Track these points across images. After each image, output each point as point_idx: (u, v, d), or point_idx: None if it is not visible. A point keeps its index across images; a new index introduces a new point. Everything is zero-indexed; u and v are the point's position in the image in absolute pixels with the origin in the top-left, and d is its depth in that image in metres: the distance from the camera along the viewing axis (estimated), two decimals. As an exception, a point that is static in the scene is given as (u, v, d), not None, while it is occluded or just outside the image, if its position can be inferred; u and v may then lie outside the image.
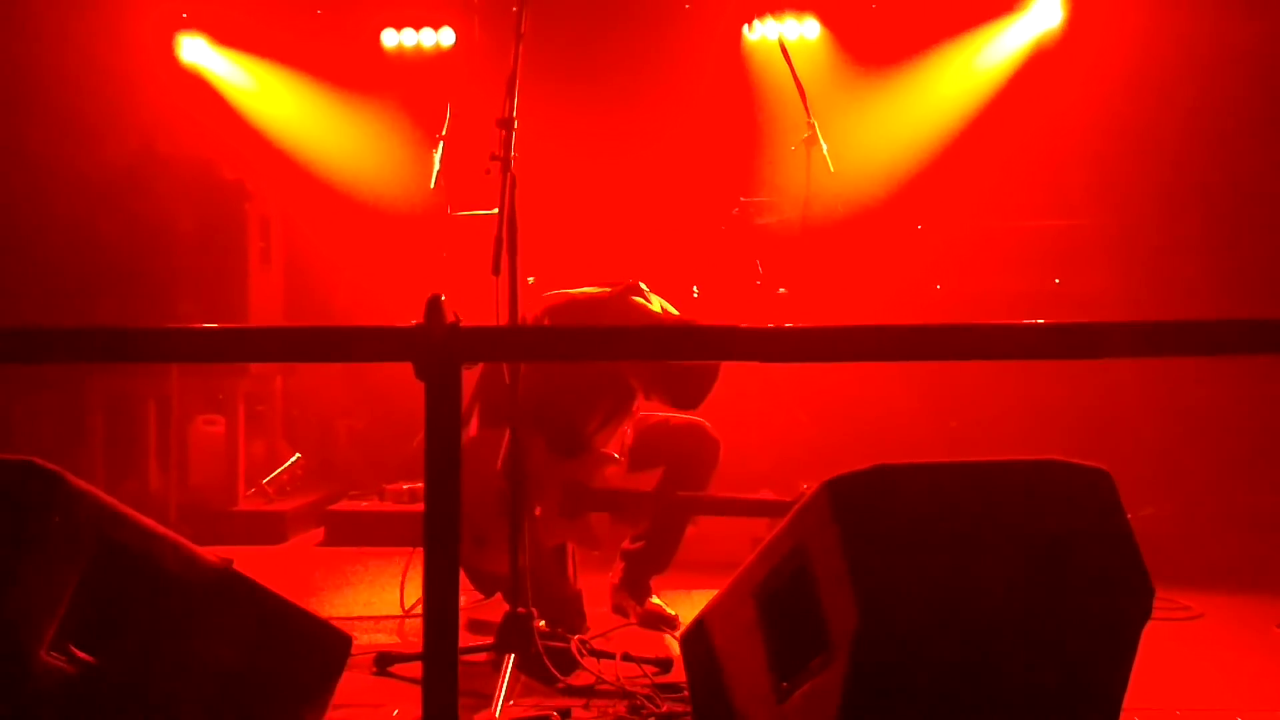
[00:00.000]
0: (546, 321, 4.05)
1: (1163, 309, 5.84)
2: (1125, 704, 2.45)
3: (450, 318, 2.31)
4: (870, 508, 2.37)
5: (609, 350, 2.26)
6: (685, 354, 2.66)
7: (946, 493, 2.45)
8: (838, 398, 6.03)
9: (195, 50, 7.03)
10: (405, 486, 5.89)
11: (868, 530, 2.34)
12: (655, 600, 4.20)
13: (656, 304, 4.09)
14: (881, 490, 2.40)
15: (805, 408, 6.08)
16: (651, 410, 4.32)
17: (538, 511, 3.91)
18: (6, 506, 2.38)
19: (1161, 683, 3.44)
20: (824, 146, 5.56)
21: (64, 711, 2.31)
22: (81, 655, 2.35)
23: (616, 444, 4.15)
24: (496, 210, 3.42)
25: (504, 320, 3.38)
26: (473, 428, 4.13)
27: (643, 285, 4.12)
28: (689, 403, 4.02)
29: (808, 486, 3.64)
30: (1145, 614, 2.38)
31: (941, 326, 2.39)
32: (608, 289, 4.12)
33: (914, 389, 6.02)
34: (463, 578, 4.11)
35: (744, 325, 2.12)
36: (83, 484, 2.46)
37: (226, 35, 7.04)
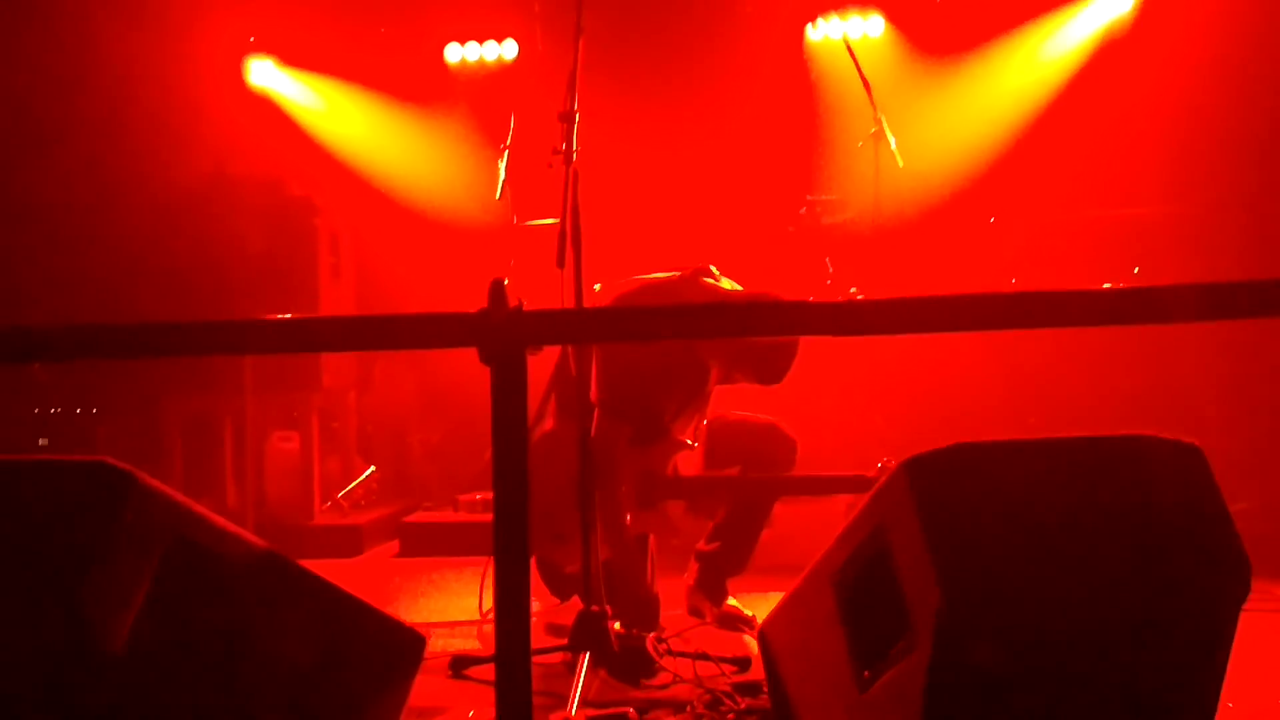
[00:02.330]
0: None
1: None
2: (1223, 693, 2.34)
3: (514, 303, 2.27)
4: (951, 487, 2.29)
5: (676, 329, 2.22)
6: (755, 330, 2.61)
7: (1030, 470, 2.36)
8: (913, 380, 5.92)
9: (263, 72, 7.14)
10: (479, 497, 5.88)
11: (949, 509, 2.25)
12: (732, 601, 4.13)
13: (727, 285, 4.04)
14: (962, 469, 2.32)
15: (881, 390, 5.97)
16: (726, 410, 4.25)
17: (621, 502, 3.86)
18: (80, 505, 2.39)
19: (1257, 675, 3.30)
20: (892, 141, 5.49)
21: (139, 708, 2.30)
22: (155, 652, 2.34)
23: (692, 432, 4.08)
24: (559, 219, 3.38)
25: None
26: (548, 422, 4.09)
27: (713, 269, 4.06)
28: (772, 378, 3.92)
29: (885, 462, 3.55)
30: (1244, 592, 2.27)
31: (1010, 294, 2.31)
32: (677, 273, 4.07)
33: (993, 376, 5.90)
34: (540, 582, 4.09)
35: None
36: (155, 483, 2.46)
37: (293, 56, 7.15)
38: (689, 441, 4.00)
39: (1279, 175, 6.13)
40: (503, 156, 5.73)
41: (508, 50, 7.16)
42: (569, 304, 3.34)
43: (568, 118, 3.46)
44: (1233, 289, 2.26)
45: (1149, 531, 2.30)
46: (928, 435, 3.88)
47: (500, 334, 2.16)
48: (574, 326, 2.34)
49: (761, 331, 2.72)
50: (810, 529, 4.85)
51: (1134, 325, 2.30)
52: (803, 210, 5.82)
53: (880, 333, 2.18)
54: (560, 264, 3.31)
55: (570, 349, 3.59)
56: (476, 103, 6.96)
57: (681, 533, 4.06)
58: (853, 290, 5.95)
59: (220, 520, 2.57)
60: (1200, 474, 2.38)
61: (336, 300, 6.28)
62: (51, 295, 6.26)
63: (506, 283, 2.27)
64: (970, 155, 6.56)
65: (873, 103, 5.18)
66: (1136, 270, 6.03)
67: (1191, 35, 6.18)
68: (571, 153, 3.44)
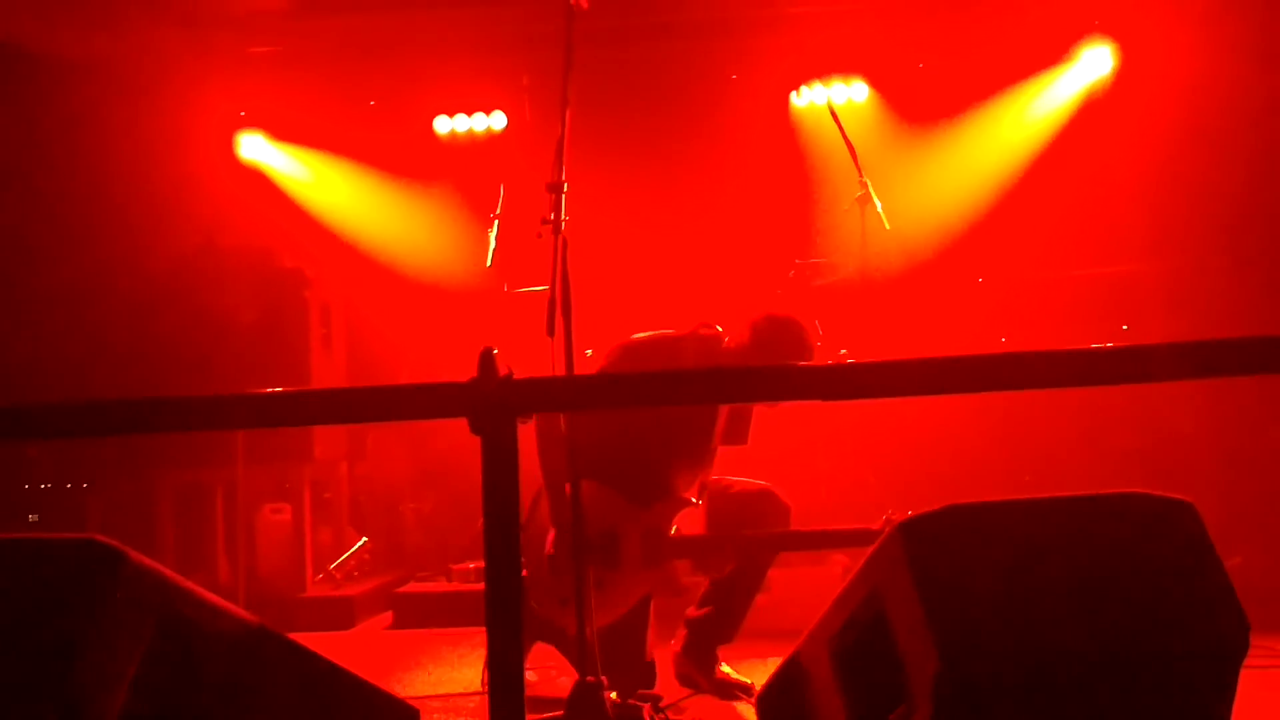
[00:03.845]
0: (621, 363, 3.99)
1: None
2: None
3: (504, 372, 2.28)
4: (945, 549, 2.28)
5: (667, 395, 2.22)
6: (747, 395, 2.60)
7: (1024, 530, 2.35)
8: (906, 436, 5.91)
9: (254, 146, 7.20)
10: (472, 566, 5.84)
11: (944, 572, 2.24)
12: (724, 668, 4.08)
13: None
14: (956, 531, 2.31)
15: (873, 447, 5.96)
16: (719, 474, 4.23)
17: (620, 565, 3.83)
18: (69, 584, 2.37)
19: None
20: (878, 204, 5.53)
21: (128, 790, 2.26)
22: (145, 732, 2.31)
23: (696, 489, 4.06)
24: (548, 287, 3.41)
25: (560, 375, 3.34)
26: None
27: (718, 328, 4.07)
28: (738, 439, 3.96)
29: (889, 515, 3.52)
30: (1243, 649, 2.25)
31: (1001, 355, 2.32)
32: (671, 331, 4.08)
33: (984, 430, 5.90)
34: (552, 652, 4.03)
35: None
36: (145, 560, 2.44)
37: (283, 130, 7.21)
38: (693, 499, 3.98)
39: (1258, 231, 6.19)
40: (493, 226, 5.77)
41: (496, 121, 7.24)
42: (560, 372, 3.34)
43: (556, 188, 3.48)
44: (1221, 347, 2.27)
45: (1145, 590, 2.29)
46: (921, 493, 3.88)
47: (491, 404, 2.16)
48: (565, 395, 2.34)
49: (753, 397, 2.72)
50: (806, 593, 4.83)
51: (1125, 385, 2.31)
52: (791, 273, 5.85)
53: (873, 396, 2.18)
54: (550, 332, 3.32)
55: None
56: (466, 173, 7.02)
57: (686, 592, 4.02)
58: (842, 352, 5.97)
59: (211, 597, 2.55)
60: (1195, 531, 2.37)
61: (328, 370, 6.28)
62: (42, 368, 6.25)
63: (496, 352, 2.28)
64: (956, 216, 6.62)
65: (858, 166, 5.22)
66: (1125, 328, 6.07)
67: (1169, 95, 6.28)
68: (560, 222, 3.46)
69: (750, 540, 3.95)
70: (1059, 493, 2.49)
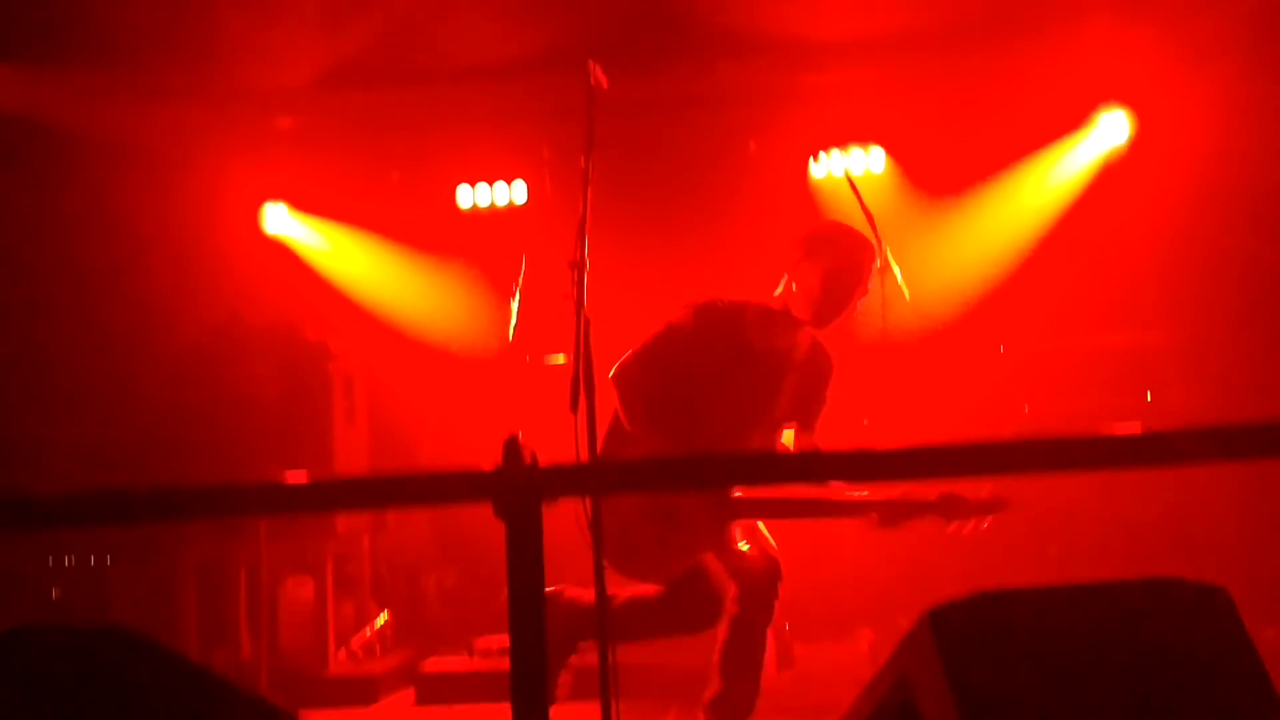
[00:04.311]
0: (690, 318, 4.16)
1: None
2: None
3: (528, 457, 2.27)
4: (975, 637, 2.25)
5: (693, 480, 2.21)
6: (775, 478, 2.59)
7: (1054, 618, 2.32)
8: (933, 528, 5.86)
9: (278, 219, 7.28)
10: (495, 645, 5.79)
11: (974, 661, 2.21)
12: None
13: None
14: (985, 618, 2.28)
15: (899, 542, 5.91)
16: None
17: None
18: (95, 675, 2.36)
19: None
20: (898, 273, 5.53)
21: None
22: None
23: None
24: (570, 357, 3.44)
25: (584, 458, 3.34)
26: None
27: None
28: (804, 423, 4.19)
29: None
30: (1281, 739, 2.21)
31: (1026, 441, 2.30)
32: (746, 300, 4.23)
33: (1012, 517, 5.84)
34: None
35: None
36: (172, 650, 2.43)
37: (307, 203, 7.30)
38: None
39: (1276, 299, 6.18)
40: (514, 297, 5.79)
41: (518, 192, 7.29)
42: (582, 448, 3.34)
43: (578, 265, 3.51)
44: (1249, 431, 2.24)
45: (1177, 679, 2.25)
46: (947, 571, 3.84)
47: (515, 490, 2.16)
48: (590, 481, 2.34)
49: (782, 479, 2.70)
50: (832, 670, 4.78)
51: (1153, 469, 2.29)
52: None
53: (899, 479, 2.17)
54: (573, 408, 3.33)
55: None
56: (487, 245, 7.07)
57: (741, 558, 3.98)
58: (865, 422, 5.96)
59: (234, 682, 2.54)
60: (1228, 617, 2.34)
61: (351, 444, 6.29)
62: (68, 443, 6.29)
63: (520, 436, 2.28)
64: (976, 284, 6.62)
65: (876, 235, 5.21)
66: (1149, 396, 6.04)
67: (1186, 162, 6.30)
68: (582, 299, 3.48)
69: (802, 505, 3.93)
70: (1086, 572, 2.46)
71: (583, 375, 3.34)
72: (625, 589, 4.02)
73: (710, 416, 4.06)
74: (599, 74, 3.75)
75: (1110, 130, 6.80)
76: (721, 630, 3.99)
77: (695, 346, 4.15)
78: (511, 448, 2.23)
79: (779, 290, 4.24)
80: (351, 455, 6.29)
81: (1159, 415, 6.02)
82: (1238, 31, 6.16)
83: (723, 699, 4.02)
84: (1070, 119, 6.86)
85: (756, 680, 4.02)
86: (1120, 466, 2.31)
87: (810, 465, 2.24)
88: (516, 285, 5.88)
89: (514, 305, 5.79)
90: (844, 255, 4.18)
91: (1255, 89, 6.16)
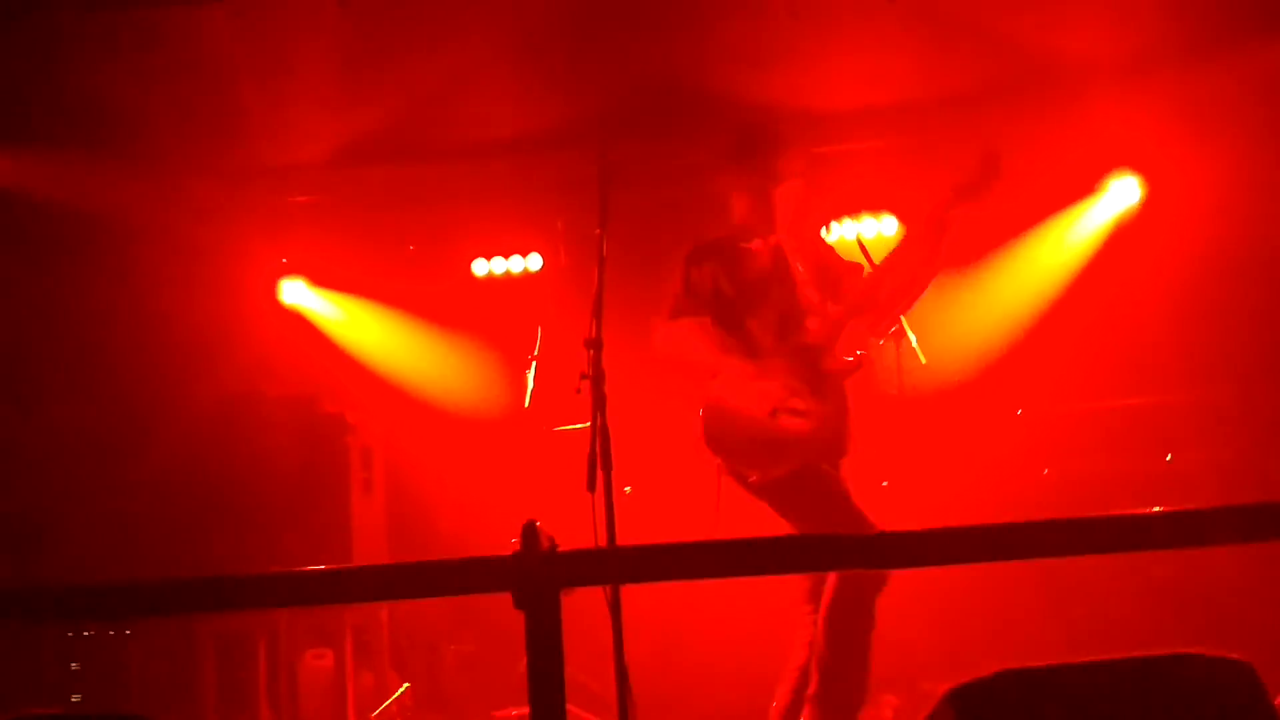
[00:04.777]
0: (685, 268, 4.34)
1: (1268, 483, 5.64)
2: None
3: (546, 543, 2.28)
4: (996, 718, 2.24)
5: (713, 568, 2.21)
6: (795, 566, 2.59)
7: (1077, 696, 2.31)
8: (955, 592, 5.83)
9: (295, 292, 7.35)
10: (514, 713, 5.76)
11: (996, 742, 2.21)
12: None
13: None
14: (1007, 698, 2.27)
15: (918, 595, 5.86)
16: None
17: None
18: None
19: None
20: (913, 339, 5.56)
21: None
22: None
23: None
24: (589, 425, 3.48)
25: (602, 536, 3.36)
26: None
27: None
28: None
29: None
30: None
31: (1045, 524, 2.30)
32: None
33: (1032, 578, 5.81)
34: None
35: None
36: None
37: (324, 276, 7.37)
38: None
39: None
40: (531, 366, 5.84)
41: (533, 263, 7.34)
42: (600, 526, 3.36)
43: (593, 344, 3.55)
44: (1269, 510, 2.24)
45: (1204, 758, 2.24)
46: (972, 634, 3.82)
47: (534, 578, 2.16)
48: (610, 568, 2.34)
49: (798, 568, 2.70)
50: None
51: (1174, 549, 2.29)
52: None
53: (919, 565, 2.16)
54: (590, 488, 3.34)
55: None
56: (503, 314, 7.12)
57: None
58: (884, 484, 5.95)
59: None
60: (1253, 693, 2.33)
61: (368, 516, 6.30)
62: (85, 515, 6.31)
63: (538, 524, 2.29)
64: (992, 348, 6.63)
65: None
66: (1169, 458, 6.02)
67: (1197, 225, 6.33)
68: (599, 377, 3.51)
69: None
70: (1108, 635, 2.46)
71: (600, 454, 3.36)
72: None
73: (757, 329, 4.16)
74: (612, 154, 3.82)
75: (1121, 195, 6.84)
76: (821, 617, 3.93)
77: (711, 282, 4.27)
78: (529, 534, 2.24)
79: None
80: (369, 527, 6.30)
81: (1178, 477, 6.00)
82: (1241, 99, 6.22)
83: (834, 692, 3.90)
84: (1082, 185, 6.90)
85: (866, 667, 3.95)
86: (1146, 548, 2.31)
87: (828, 549, 2.24)
88: (533, 354, 5.94)
89: (530, 374, 5.84)
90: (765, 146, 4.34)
91: (1260, 154, 6.21)
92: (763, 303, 4.21)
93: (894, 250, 4.15)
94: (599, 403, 3.48)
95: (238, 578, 2.16)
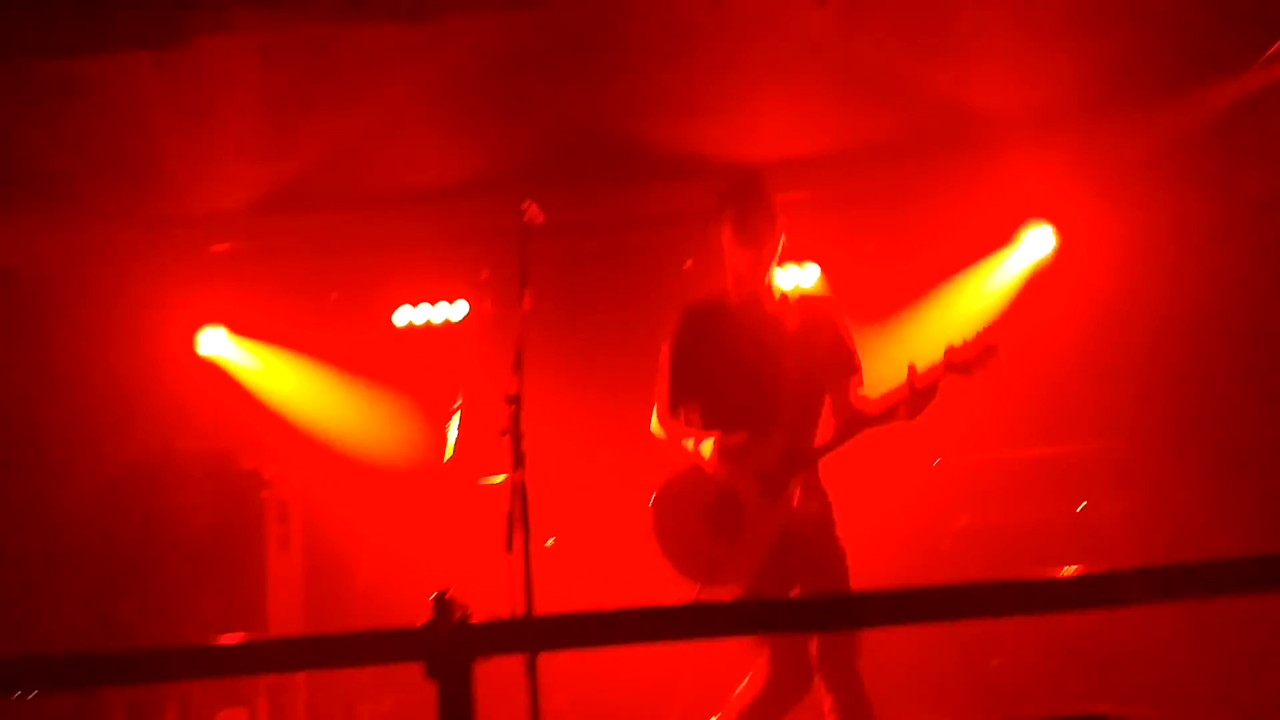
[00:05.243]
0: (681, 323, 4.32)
1: (1180, 532, 5.76)
2: None
3: (459, 612, 2.25)
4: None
5: (640, 634, 2.18)
6: (726, 632, 2.57)
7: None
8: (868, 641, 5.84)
9: (214, 342, 7.22)
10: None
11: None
12: None
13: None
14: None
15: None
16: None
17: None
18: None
19: None
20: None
21: None
22: None
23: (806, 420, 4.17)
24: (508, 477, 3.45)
25: (520, 598, 3.31)
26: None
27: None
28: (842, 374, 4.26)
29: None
30: None
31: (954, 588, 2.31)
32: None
33: (943, 630, 5.85)
34: None
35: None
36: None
37: (244, 326, 7.25)
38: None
39: (1198, 408, 6.33)
40: (452, 418, 5.77)
41: (457, 312, 7.29)
42: (519, 589, 3.31)
43: (514, 400, 3.52)
44: (1187, 570, 2.27)
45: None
46: (881, 695, 3.82)
47: (446, 650, 2.13)
48: (524, 637, 2.31)
49: (716, 634, 2.68)
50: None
51: (1090, 610, 2.31)
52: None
53: (841, 629, 2.16)
54: (508, 548, 3.30)
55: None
56: (426, 364, 7.06)
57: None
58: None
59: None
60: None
61: (285, 574, 6.18)
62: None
63: (449, 593, 2.26)
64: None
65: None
66: (1082, 506, 6.12)
67: (1109, 277, 6.50)
68: (518, 433, 3.48)
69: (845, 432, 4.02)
70: (1019, 701, 2.47)
71: (518, 513, 3.33)
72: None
73: (741, 399, 4.10)
74: (534, 210, 3.81)
75: (1036, 245, 6.99)
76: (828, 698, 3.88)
77: (706, 346, 4.22)
78: (441, 605, 2.21)
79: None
80: (286, 586, 6.18)
81: (1091, 526, 6.10)
82: (1146, 155, 6.41)
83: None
84: (998, 235, 7.04)
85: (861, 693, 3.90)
86: (1058, 610, 2.33)
87: (799, 611, 2.23)
88: (455, 406, 5.87)
89: (451, 426, 5.77)
90: (737, 199, 4.23)
91: (1164, 208, 6.40)
92: (745, 372, 4.15)
93: (879, 399, 4.07)
94: (518, 460, 3.45)
95: (137, 652, 2.10)
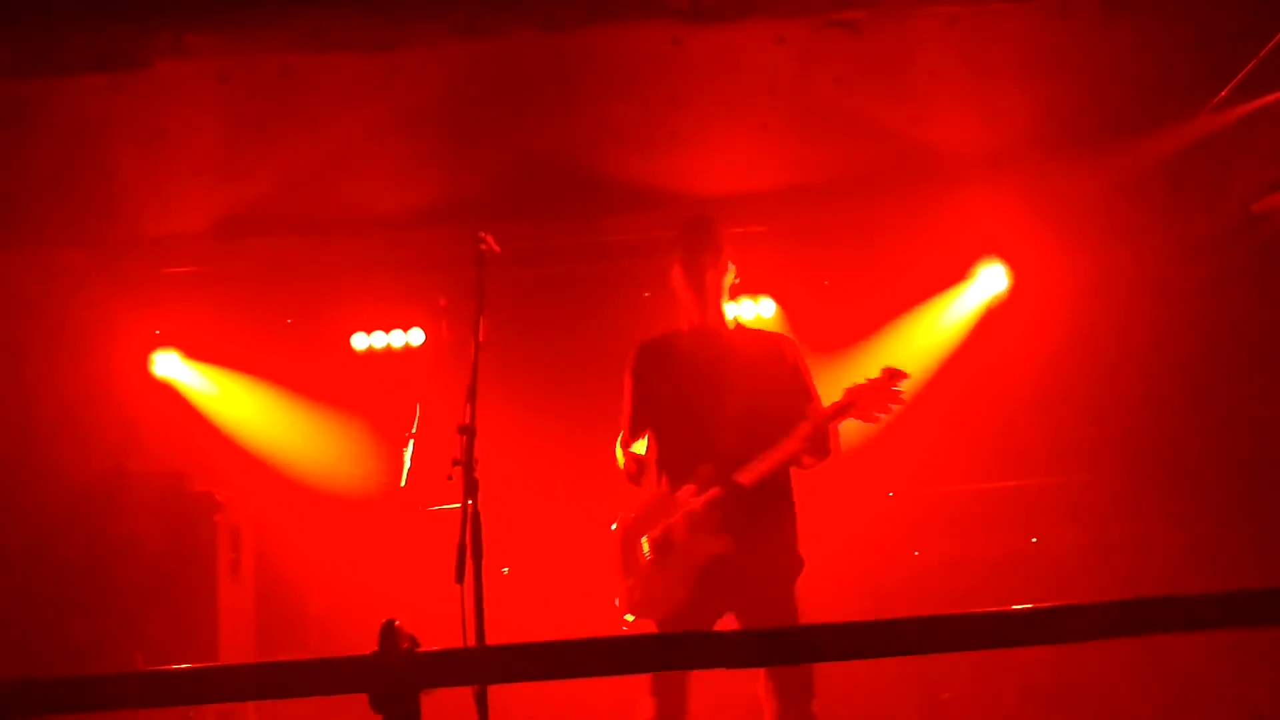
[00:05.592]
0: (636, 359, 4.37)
1: (1133, 566, 5.82)
2: None
3: (406, 642, 2.25)
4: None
5: (587, 668, 2.18)
6: (680, 663, 2.56)
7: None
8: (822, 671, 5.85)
9: (168, 365, 7.16)
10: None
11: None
12: None
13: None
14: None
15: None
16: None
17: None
18: None
19: None
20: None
21: None
22: None
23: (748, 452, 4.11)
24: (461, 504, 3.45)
25: (471, 628, 3.30)
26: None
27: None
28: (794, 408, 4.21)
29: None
30: None
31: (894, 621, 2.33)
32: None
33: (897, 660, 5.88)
34: None
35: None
36: None
37: (198, 349, 7.20)
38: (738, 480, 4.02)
39: (1151, 444, 6.42)
40: (408, 445, 5.74)
41: (414, 337, 7.29)
42: (470, 618, 3.30)
43: (467, 430, 3.52)
44: (1144, 605, 2.29)
45: None
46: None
47: (393, 681, 2.12)
48: (472, 668, 2.31)
49: (667, 666, 2.68)
50: None
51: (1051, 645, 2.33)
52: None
53: (795, 662, 2.16)
54: (459, 579, 3.29)
55: None
56: (382, 390, 7.03)
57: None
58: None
59: None
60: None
61: (235, 598, 6.12)
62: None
63: (397, 624, 2.25)
64: (865, 430, 6.74)
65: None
66: (1035, 540, 6.18)
67: (1061, 314, 6.59)
68: (471, 462, 3.48)
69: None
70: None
71: (470, 543, 3.32)
72: None
73: (682, 432, 4.13)
74: (490, 242, 3.83)
75: (990, 282, 7.08)
76: None
77: (655, 379, 4.28)
78: (387, 634, 2.20)
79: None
80: (237, 611, 6.12)
81: (1043, 559, 6.16)
82: (1099, 196, 6.52)
83: (783, 690, 3.88)
84: (953, 271, 7.13)
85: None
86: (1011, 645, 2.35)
87: (741, 644, 2.24)
88: (411, 432, 5.84)
89: (407, 452, 5.75)
90: (696, 248, 4.27)
91: (1116, 247, 6.51)
92: (686, 405, 4.18)
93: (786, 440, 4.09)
94: (470, 489, 3.45)
95: (79, 680, 2.08)
